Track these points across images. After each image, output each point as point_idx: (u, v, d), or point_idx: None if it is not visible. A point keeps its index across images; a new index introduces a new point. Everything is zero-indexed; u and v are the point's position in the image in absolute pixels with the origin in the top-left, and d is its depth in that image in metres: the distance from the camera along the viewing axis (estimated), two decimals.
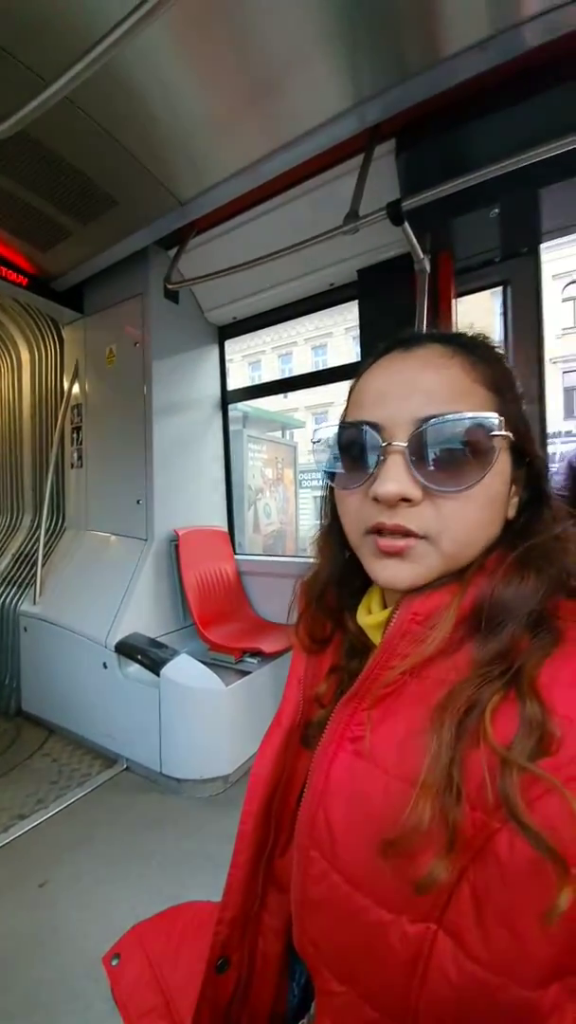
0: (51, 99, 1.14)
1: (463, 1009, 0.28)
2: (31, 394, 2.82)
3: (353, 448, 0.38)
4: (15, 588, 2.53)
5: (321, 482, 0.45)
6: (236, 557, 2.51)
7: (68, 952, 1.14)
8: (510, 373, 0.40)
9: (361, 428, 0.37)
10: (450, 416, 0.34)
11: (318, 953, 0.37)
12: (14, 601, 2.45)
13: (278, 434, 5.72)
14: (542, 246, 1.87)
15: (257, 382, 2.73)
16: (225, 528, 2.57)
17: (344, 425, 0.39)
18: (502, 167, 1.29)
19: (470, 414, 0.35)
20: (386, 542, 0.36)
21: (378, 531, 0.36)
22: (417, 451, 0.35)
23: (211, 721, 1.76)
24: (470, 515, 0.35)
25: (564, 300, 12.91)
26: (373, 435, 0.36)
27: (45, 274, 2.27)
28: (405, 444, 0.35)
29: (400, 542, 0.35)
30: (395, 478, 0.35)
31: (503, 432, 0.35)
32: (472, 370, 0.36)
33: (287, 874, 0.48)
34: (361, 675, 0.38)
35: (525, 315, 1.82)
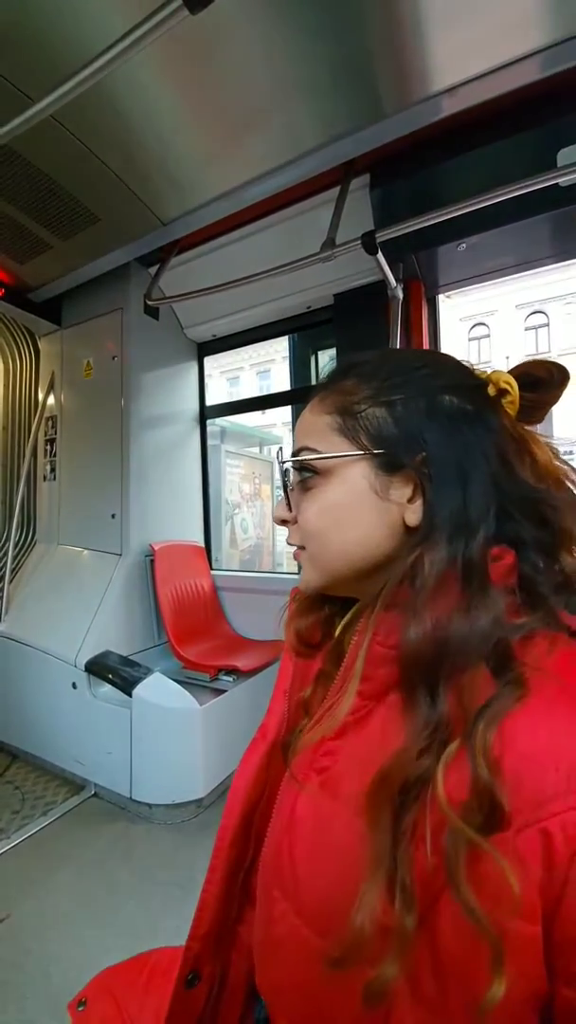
0: (35, 117, 1.15)
1: None
2: (3, 404, 2.75)
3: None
4: None
5: None
6: (213, 572, 2.49)
7: (31, 992, 1.07)
8: (387, 378, 0.39)
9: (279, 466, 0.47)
10: (278, 455, 0.44)
11: (278, 1000, 0.36)
12: None
13: (256, 449, 5.75)
14: (504, 279, 1.99)
15: (236, 398, 2.75)
16: (202, 543, 2.55)
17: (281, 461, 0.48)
18: (468, 205, 1.37)
19: (299, 447, 0.42)
20: (294, 553, 0.45)
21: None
22: (283, 483, 0.45)
23: (184, 742, 1.72)
24: (311, 526, 0.41)
25: (527, 329, 13.63)
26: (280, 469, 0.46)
27: (23, 285, 2.25)
28: (282, 479, 0.45)
29: (297, 553, 0.44)
30: (279, 505, 0.45)
31: (312, 455, 0.41)
32: (319, 404, 0.42)
33: None
34: (324, 702, 0.40)
35: None
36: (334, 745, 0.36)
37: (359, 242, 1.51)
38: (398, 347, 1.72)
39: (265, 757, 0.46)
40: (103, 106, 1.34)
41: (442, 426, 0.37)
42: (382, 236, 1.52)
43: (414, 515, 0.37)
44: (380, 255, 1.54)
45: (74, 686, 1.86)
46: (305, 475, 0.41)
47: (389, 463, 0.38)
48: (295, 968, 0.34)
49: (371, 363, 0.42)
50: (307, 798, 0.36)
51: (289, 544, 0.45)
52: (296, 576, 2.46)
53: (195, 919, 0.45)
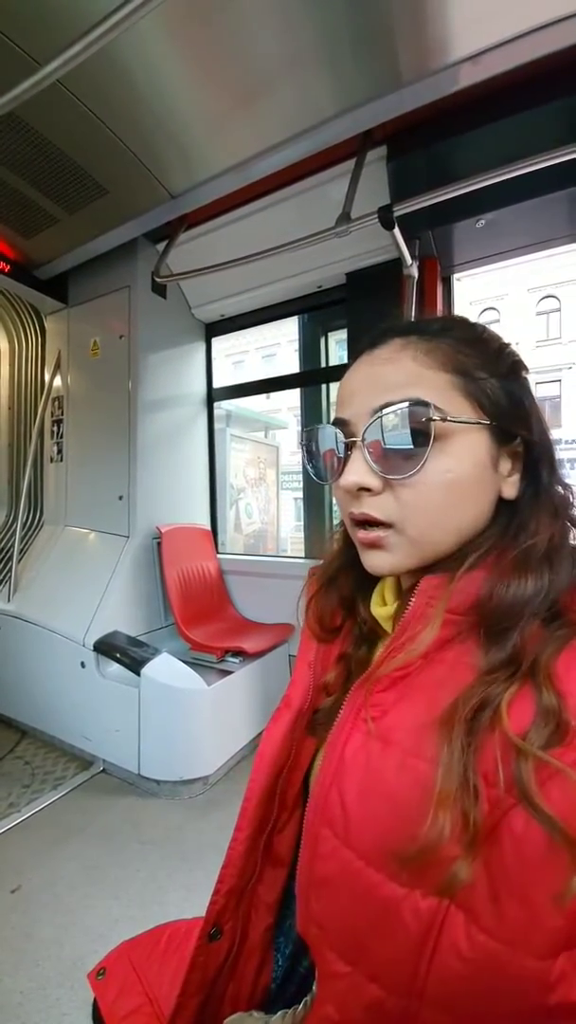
0: (43, 81, 1.11)
1: (471, 982, 0.29)
2: (10, 385, 2.73)
3: (329, 445, 0.42)
4: None
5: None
6: (219, 556, 2.49)
7: (43, 959, 1.10)
8: (485, 347, 0.40)
9: (332, 426, 0.41)
10: (385, 405, 0.37)
11: (323, 934, 0.37)
12: None
13: (261, 434, 5.71)
14: (520, 259, 1.93)
15: (242, 381, 2.72)
16: (208, 526, 2.55)
17: (321, 427, 0.43)
18: (489, 178, 1.32)
19: (406, 399, 0.36)
20: (362, 534, 0.39)
21: (359, 522, 0.39)
22: (372, 442, 0.37)
23: (192, 721, 1.74)
24: (427, 501, 0.36)
25: (538, 314, 13.35)
26: (340, 432, 0.40)
27: (28, 261, 2.21)
28: (363, 436, 0.38)
29: (372, 534, 0.38)
30: (354, 470, 0.38)
31: (438, 417, 0.35)
32: (426, 355, 0.37)
33: (284, 850, 0.49)
34: (376, 658, 0.40)
35: None
36: (381, 698, 0.38)
37: (375, 216, 1.46)
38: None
39: (290, 724, 0.46)
40: (111, 72, 1.30)
41: (531, 403, 0.40)
42: (399, 210, 1.47)
43: (512, 488, 0.39)
44: (397, 230, 1.49)
45: (83, 665, 1.88)
46: (400, 436, 0.36)
47: (503, 435, 0.38)
48: (344, 900, 0.35)
49: (460, 328, 0.41)
50: (355, 744, 0.38)
51: (356, 519, 0.39)
52: (301, 561, 2.45)
53: (220, 875, 0.47)
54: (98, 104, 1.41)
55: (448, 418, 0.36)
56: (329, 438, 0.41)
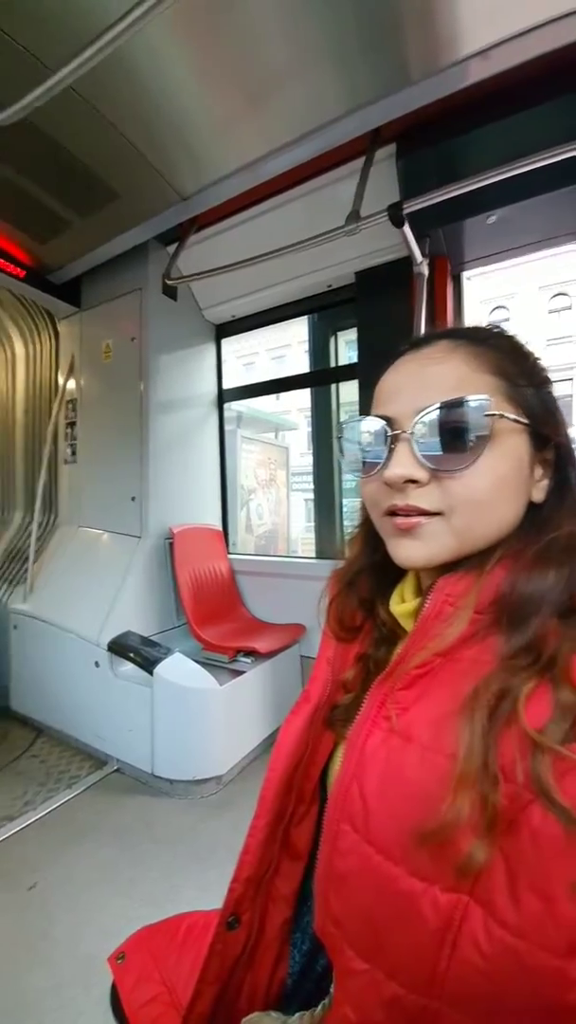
0: (55, 87, 1.13)
1: (490, 979, 0.29)
2: (25, 388, 2.78)
3: (369, 440, 0.42)
4: (5, 585, 2.48)
5: (353, 475, 0.48)
6: (230, 556, 2.50)
7: (59, 957, 1.11)
8: (524, 358, 0.42)
9: (374, 422, 0.41)
10: (446, 401, 0.37)
11: (340, 931, 0.37)
12: (4, 598, 2.40)
13: (271, 435, 5.73)
14: (532, 256, 1.91)
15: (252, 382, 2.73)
16: (219, 527, 2.56)
17: (360, 420, 0.43)
18: (499, 174, 1.31)
19: (467, 397, 0.37)
20: (400, 520, 0.39)
21: (394, 513, 0.40)
22: (420, 436, 0.38)
23: (205, 721, 1.74)
24: (476, 494, 0.37)
25: (550, 312, 13.20)
26: (384, 426, 0.41)
27: (43, 267, 2.24)
28: (410, 431, 0.39)
29: (412, 519, 0.39)
30: (400, 463, 0.39)
31: (498, 413, 0.37)
32: (475, 359, 0.39)
33: (302, 844, 0.50)
34: (396, 656, 0.40)
35: None
36: (402, 695, 0.38)
37: (385, 214, 1.46)
38: (423, 327, 1.67)
39: (308, 718, 0.47)
40: (121, 75, 1.31)
41: (559, 412, 0.42)
42: (409, 207, 1.46)
43: (541, 492, 0.40)
44: (407, 228, 1.49)
45: (96, 665, 1.90)
46: (454, 431, 0.37)
47: (539, 440, 0.40)
48: (363, 895, 0.35)
49: (503, 338, 0.43)
50: (375, 740, 0.38)
51: (401, 512, 0.39)
52: (312, 561, 2.44)
53: (239, 863, 0.48)
54: (109, 107, 1.43)
55: (505, 415, 0.37)
56: (372, 432, 0.42)
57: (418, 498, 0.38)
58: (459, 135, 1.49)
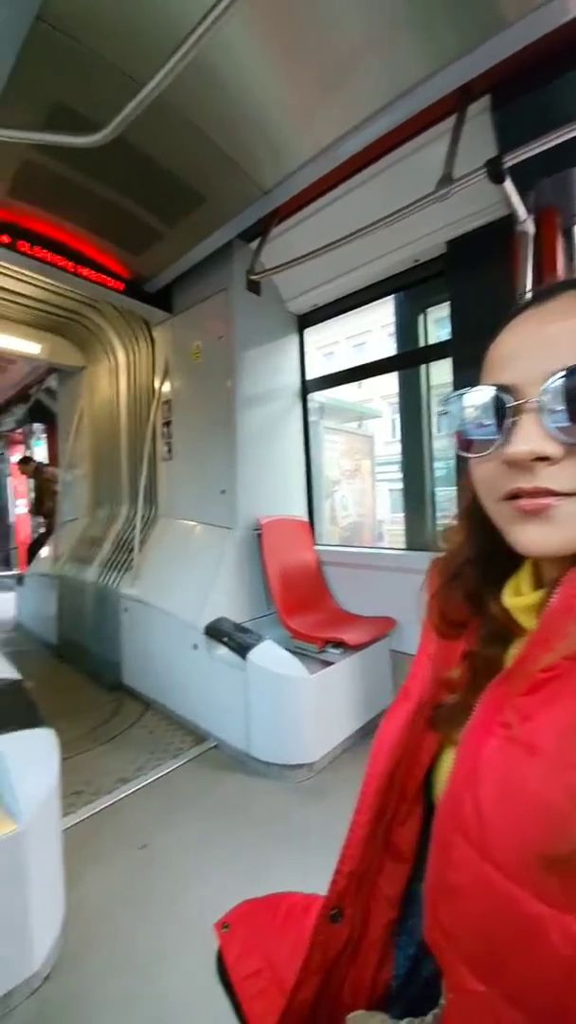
0: (146, 99, 1.19)
1: None
2: (127, 393, 3.05)
3: (482, 413, 0.37)
4: (116, 571, 2.76)
5: (456, 453, 0.43)
6: (316, 547, 2.51)
7: (162, 914, 1.21)
8: None
9: (490, 391, 0.36)
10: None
11: (451, 945, 0.35)
12: (116, 583, 2.67)
13: (354, 425, 5.63)
14: None
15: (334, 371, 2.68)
16: (306, 518, 2.58)
17: (471, 391, 0.37)
18: None
19: None
20: (527, 501, 0.34)
21: (516, 497, 0.34)
22: (552, 405, 0.33)
23: (296, 708, 1.78)
24: None
25: None
26: (502, 397, 0.35)
27: (139, 278, 2.43)
28: (537, 400, 0.33)
29: (542, 500, 0.33)
30: (528, 437, 0.33)
31: None
32: None
33: (405, 846, 0.47)
34: (516, 657, 0.36)
35: None
36: (524, 701, 0.35)
37: (483, 172, 1.33)
38: (529, 290, 1.50)
39: (409, 716, 0.45)
40: (202, 78, 1.35)
41: None
42: (509, 160, 1.32)
43: None
44: (508, 182, 1.34)
45: (195, 647, 2.03)
46: None
47: None
48: (479, 912, 0.33)
49: None
50: (492, 748, 0.35)
51: (528, 494, 0.34)
52: (402, 552, 2.34)
53: (341, 856, 0.47)
54: (192, 111, 1.48)
55: None
56: (485, 405, 0.36)
57: (549, 478, 0.33)
58: (563, 75, 1.34)
